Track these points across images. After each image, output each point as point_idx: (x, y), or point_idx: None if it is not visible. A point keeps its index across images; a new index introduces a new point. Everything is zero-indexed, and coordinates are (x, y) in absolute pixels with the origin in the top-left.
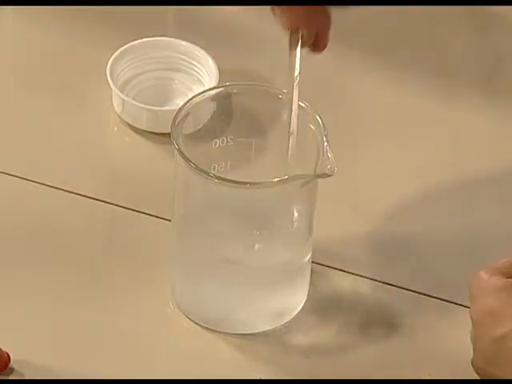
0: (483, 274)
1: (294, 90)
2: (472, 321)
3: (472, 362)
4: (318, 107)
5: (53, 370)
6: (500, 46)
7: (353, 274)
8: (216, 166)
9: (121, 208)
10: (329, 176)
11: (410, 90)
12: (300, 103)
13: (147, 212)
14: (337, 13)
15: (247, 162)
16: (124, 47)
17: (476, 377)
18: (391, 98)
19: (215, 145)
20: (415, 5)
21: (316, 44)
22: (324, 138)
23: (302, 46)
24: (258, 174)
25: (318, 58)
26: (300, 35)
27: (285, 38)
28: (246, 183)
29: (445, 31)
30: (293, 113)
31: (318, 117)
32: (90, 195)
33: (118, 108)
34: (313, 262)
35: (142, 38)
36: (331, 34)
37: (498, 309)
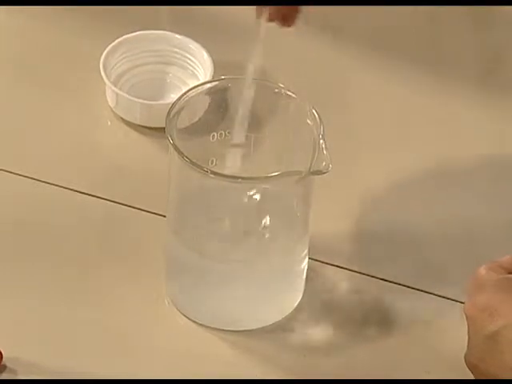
0: (481, 270)
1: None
2: (466, 316)
3: (465, 358)
4: (315, 104)
5: (46, 368)
6: (499, 41)
7: (350, 270)
8: (214, 159)
9: (114, 203)
10: (324, 173)
11: (408, 87)
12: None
13: (141, 208)
14: (336, 10)
15: (246, 156)
16: (117, 40)
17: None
18: (389, 94)
19: (213, 138)
20: (415, 5)
21: (284, 19)
22: (320, 134)
23: (269, 20)
24: (256, 168)
25: (318, 55)
26: (267, 10)
27: (278, 31)
28: (237, 178)
29: (444, 27)
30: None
31: (314, 112)
32: (82, 190)
33: (111, 102)
34: (309, 258)
35: (135, 32)
36: (328, 26)
37: (491, 305)
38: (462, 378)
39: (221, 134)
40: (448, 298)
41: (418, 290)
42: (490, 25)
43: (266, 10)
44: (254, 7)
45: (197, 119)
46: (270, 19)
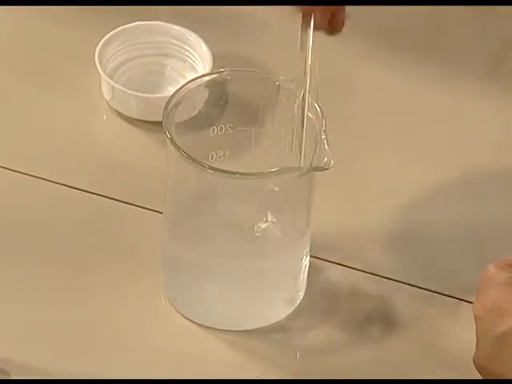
0: (490, 268)
1: (307, 76)
2: (474, 316)
3: (474, 360)
4: (318, 99)
5: (40, 368)
6: (505, 36)
7: (352, 268)
8: (214, 154)
9: (110, 200)
10: (325, 169)
11: (412, 82)
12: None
13: (138, 204)
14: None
15: (247, 150)
16: (114, 31)
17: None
18: (394, 90)
19: (213, 132)
20: (419, 5)
21: (331, 27)
22: (322, 129)
23: (314, 29)
24: (259, 163)
25: (321, 50)
26: (312, 18)
27: (280, 21)
28: (236, 173)
29: (450, 22)
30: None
31: (316, 105)
32: (77, 186)
33: (107, 95)
34: (311, 256)
35: (132, 22)
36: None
37: (501, 305)
38: (468, 378)
39: (221, 127)
40: (453, 297)
41: (422, 288)
42: (495, 19)
43: (311, 20)
44: (300, 17)
45: (196, 113)
46: (315, 28)
